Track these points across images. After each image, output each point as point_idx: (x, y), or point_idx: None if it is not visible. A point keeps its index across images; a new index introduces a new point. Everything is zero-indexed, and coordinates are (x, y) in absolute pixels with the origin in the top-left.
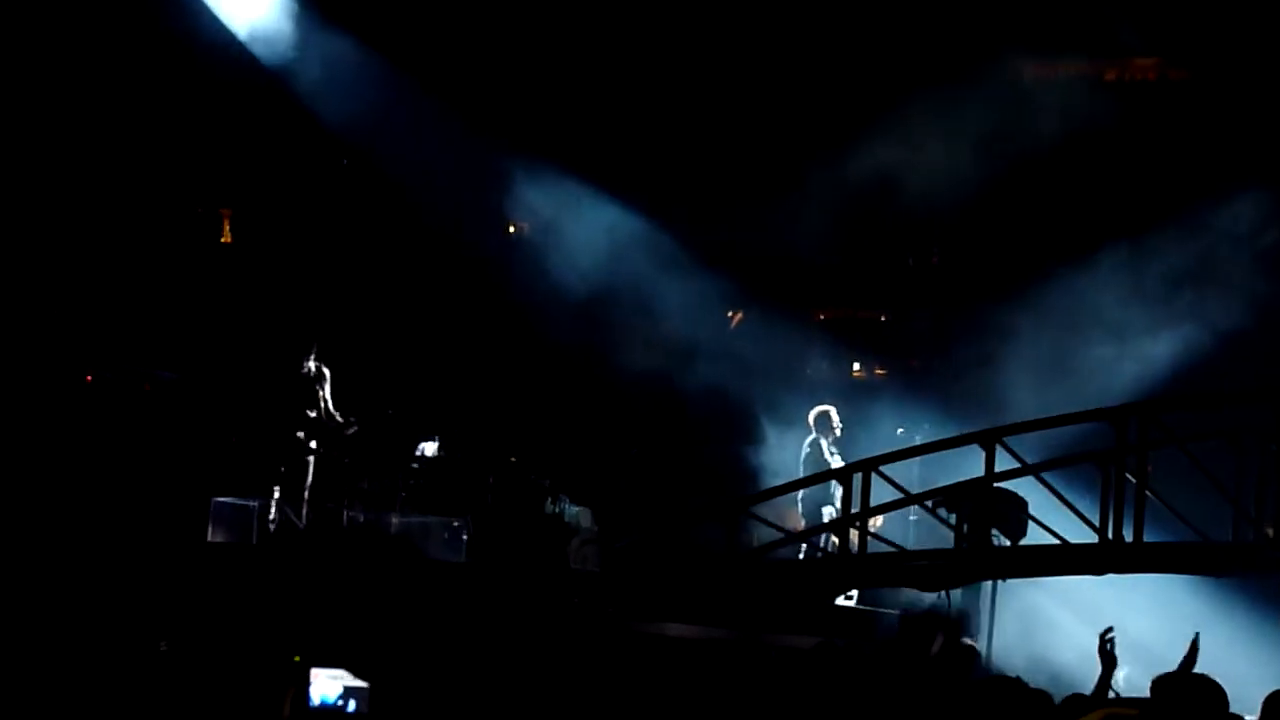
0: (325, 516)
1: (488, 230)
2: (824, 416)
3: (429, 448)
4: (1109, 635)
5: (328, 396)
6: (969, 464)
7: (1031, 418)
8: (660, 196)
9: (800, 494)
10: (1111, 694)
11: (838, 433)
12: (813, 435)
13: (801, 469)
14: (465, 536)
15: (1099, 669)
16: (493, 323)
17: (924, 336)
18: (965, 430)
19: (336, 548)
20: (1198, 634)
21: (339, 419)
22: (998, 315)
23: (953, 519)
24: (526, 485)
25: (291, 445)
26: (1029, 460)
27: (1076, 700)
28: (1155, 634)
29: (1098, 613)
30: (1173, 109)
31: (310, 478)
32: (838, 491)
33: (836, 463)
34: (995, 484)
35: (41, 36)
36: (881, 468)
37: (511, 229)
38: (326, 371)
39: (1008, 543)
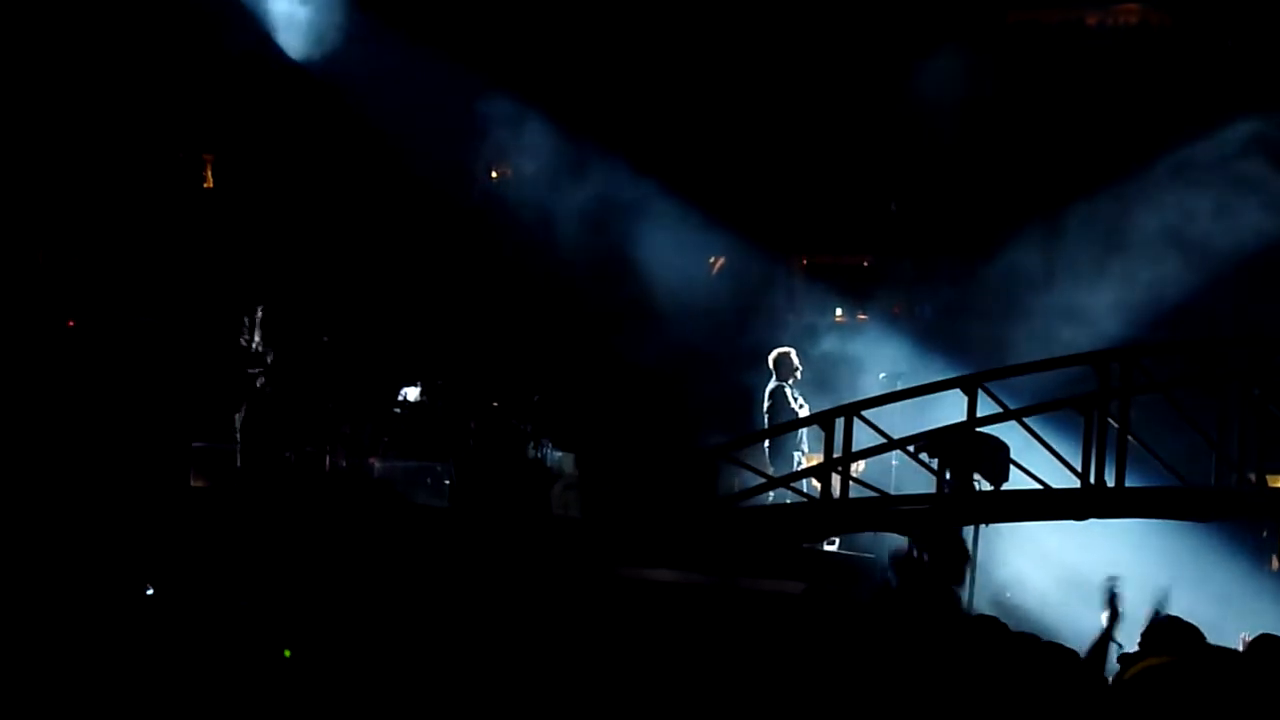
0: (307, 461)
1: (470, 176)
2: (784, 359)
3: (411, 393)
4: (1114, 584)
5: (259, 331)
6: (951, 409)
7: (1014, 363)
8: (643, 141)
9: (766, 442)
10: (1114, 644)
11: (798, 375)
12: (774, 381)
13: (766, 417)
14: (448, 482)
15: (1101, 616)
16: (475, 268)
17: (906, 282)
18: (947, 375)
19: (319, 492)
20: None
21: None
22: (979, 262)
23: (935, 464)
24: (509, 431)
25: (236, 383)
26: (1011, 405)
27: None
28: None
29: (1060, 558)
30: (1154, 53)
31: (243, 413)
32: (805, 435)
33: (802, 409)
34: (977, 429)
35: None
36: (863, 412)
37: (494, 174)
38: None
39: (990, 487)
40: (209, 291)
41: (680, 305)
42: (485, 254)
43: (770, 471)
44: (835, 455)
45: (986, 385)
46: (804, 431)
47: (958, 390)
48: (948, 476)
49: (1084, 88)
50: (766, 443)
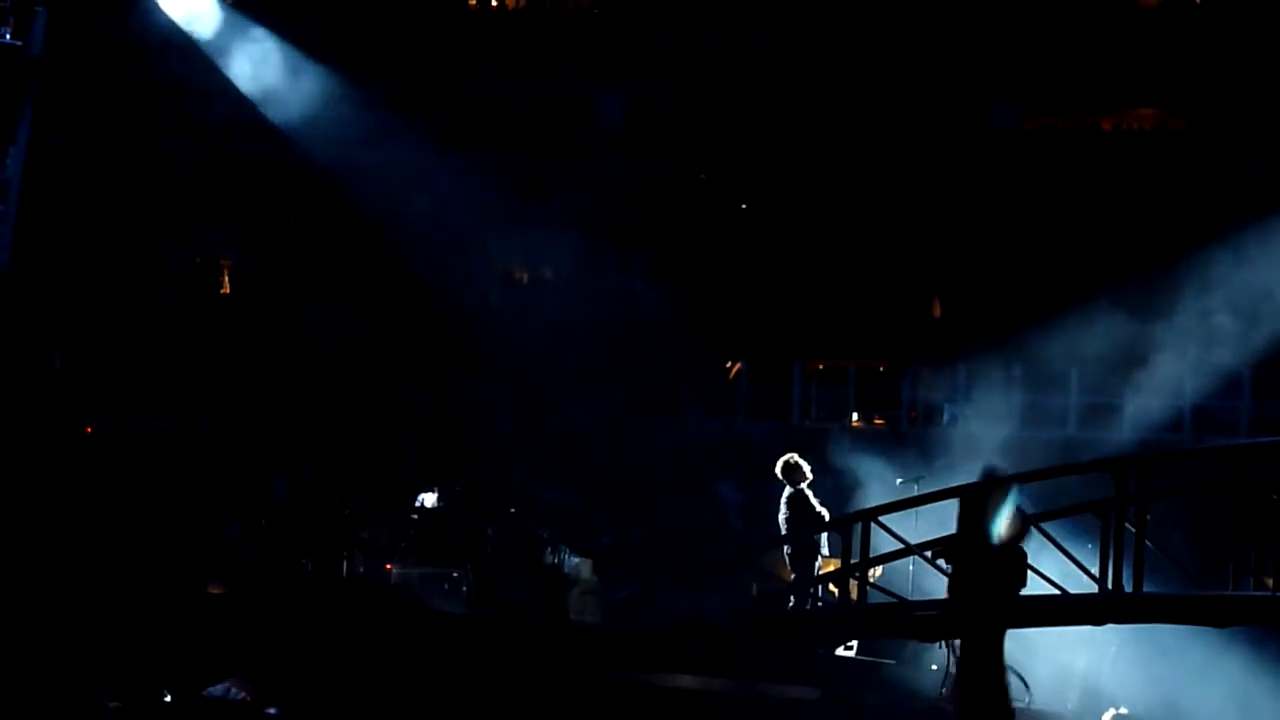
0: (326, 566)
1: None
2: (793, 467)
3: (428, 499)
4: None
5: None
6: None
7: (1030, 468)
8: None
9: (786, 548)
10: None
11: (809, 477)
12: (788, 489)
13: (784, 524)
14: (465, 588)
15: None
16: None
17: (925, 387)
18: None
19: (337, 598)
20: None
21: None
22: (996, 367)
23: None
24: (525, 536)
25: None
26: (1029, 510)
27: None
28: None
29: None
30: (1170, 157)
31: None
32: (825, 539)
33: (822, 510)
34: None
35: None
36: (881, 518)
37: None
38: None
39: None
40: (223, 397)
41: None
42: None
43: (790, 575)
44: (853, 560)
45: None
46: (824, 536)
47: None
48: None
49: (1101, 192)
50: (787, 548)
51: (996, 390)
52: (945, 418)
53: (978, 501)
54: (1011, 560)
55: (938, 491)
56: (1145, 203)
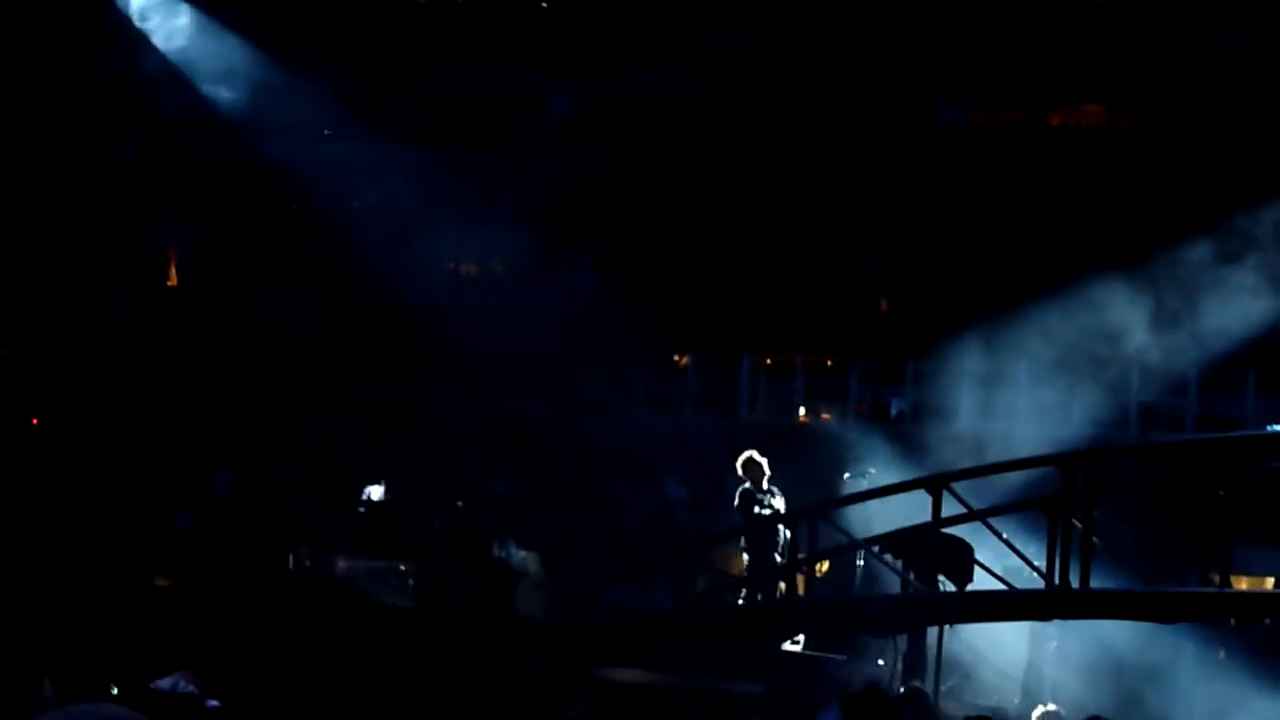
0: (273, 559)
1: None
2: (752, 463)
3: (375, 492)
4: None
5: None
6: (915, 510)
7: (978, 464)
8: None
9: (742, 540)
10: None
11: (767, 473)
12: (746, 484)
13: (739, 516)
14: (412, 582)
15: None
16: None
17: (872, 381)
18: (912, 475)
19: (283, 591)
20: None
21: None
22: (945, 362)
23: (899, 565)
24: (473, 530)
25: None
26: (977, 506)
27: None
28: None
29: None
30: (1118, 154)
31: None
32: (780, 537)
33: (777, 504)
34: (942, 530)
35: None
36: (829, 513)
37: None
38: None
39: (954, 588)
40: (171, 390)
41: (641, 402)
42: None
43: (742, 570)
44: (800, 555)
45: (951, 486)
46: (783, 530)
47: (922, 491)
48: (912, 577)
49: (1049, 188)
50: (742, 541)
51: (944, 386)
52: (892, 413)
53: None
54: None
55: (884, 486)
56: (1093, 199)
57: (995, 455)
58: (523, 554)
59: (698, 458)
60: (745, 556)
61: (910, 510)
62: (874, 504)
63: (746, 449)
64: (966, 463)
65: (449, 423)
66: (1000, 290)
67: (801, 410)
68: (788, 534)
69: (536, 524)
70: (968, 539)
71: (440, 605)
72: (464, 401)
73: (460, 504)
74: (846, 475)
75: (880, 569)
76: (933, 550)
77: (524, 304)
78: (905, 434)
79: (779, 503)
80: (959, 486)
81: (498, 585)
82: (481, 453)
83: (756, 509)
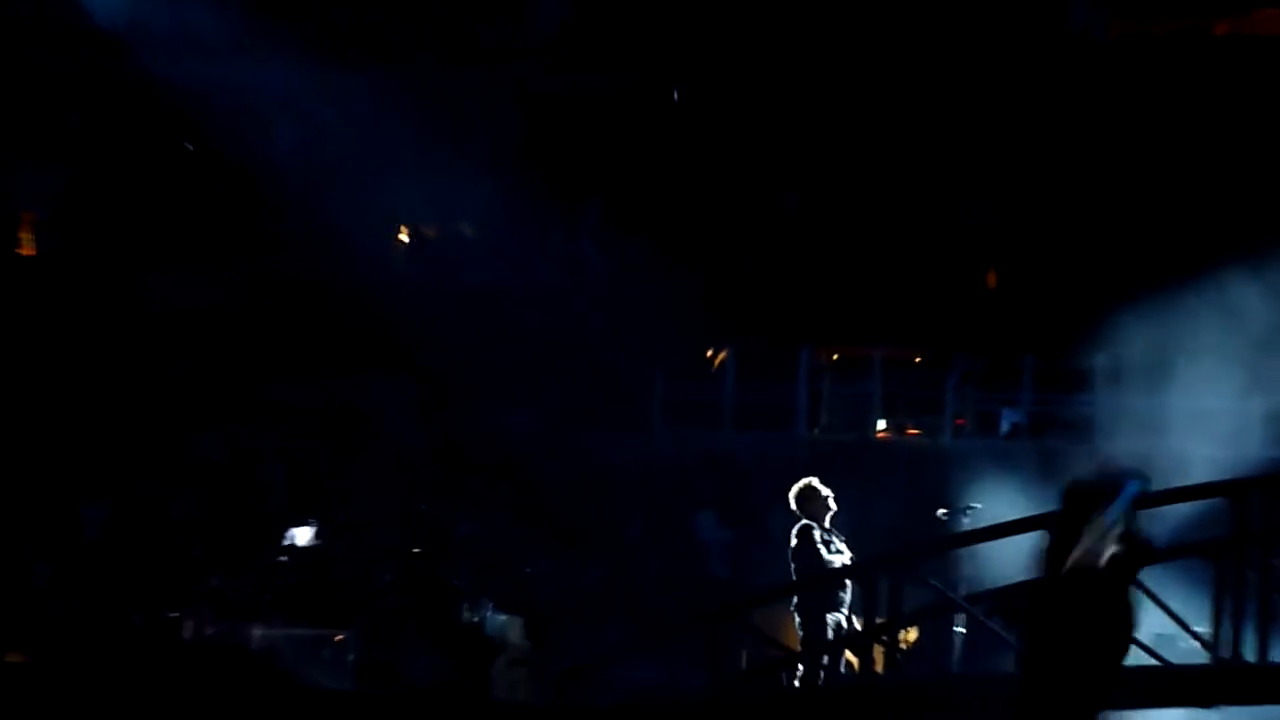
0: (163, 624)
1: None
2: (809, 494)
3: (303, 535)
4: None
5: None
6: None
7: None
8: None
9: (794, 600)
10: None
11: (832, 508)
12: (801, 521)
13: (793, 565)
14: (352, 656)
15: None
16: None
17: (977, 385)
18: (1031, 512)
19: (178, 667)
20: None
21: None
22: (1074, 360)
23: (1013, 632)
24: (435, 587)
25: None
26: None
27: None
28: None
29: None
30: None
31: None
32: (847, 595)
33: (839, 556)
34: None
35: None
36: (917, 562)
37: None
38: None
39: None
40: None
41: (663, 414)
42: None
43: (799, 639)
44: (878, 620)
45: None
46: (847, 590)
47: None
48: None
49: (1216, 116)
50: (794, 600)
51: (1075, 391)
52: (1004, 427)
53: (1073, 523)
54: (1116, 611)
55: (992, 527)
56: (1276, 130)
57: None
58: (502, 618)
59: (740, 487)
60: (799, 620)
61: (1028, 559)
62: (979, 550)
63: (805, 476)
64: None
65: (402, 440)
66: (1154, 259)
67: (880, 424)
68: (852, 591)
69: (521, 578)
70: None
71: (390, 688)
72: (422, 411)
73: (417, 551)
74: (941, 512)
75: (988, 637)
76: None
77: (503, 278)
78: (1022, 455)
79: (843, 549)
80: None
81: (467, 661)
82: (446, 480)
83: (819, 555)
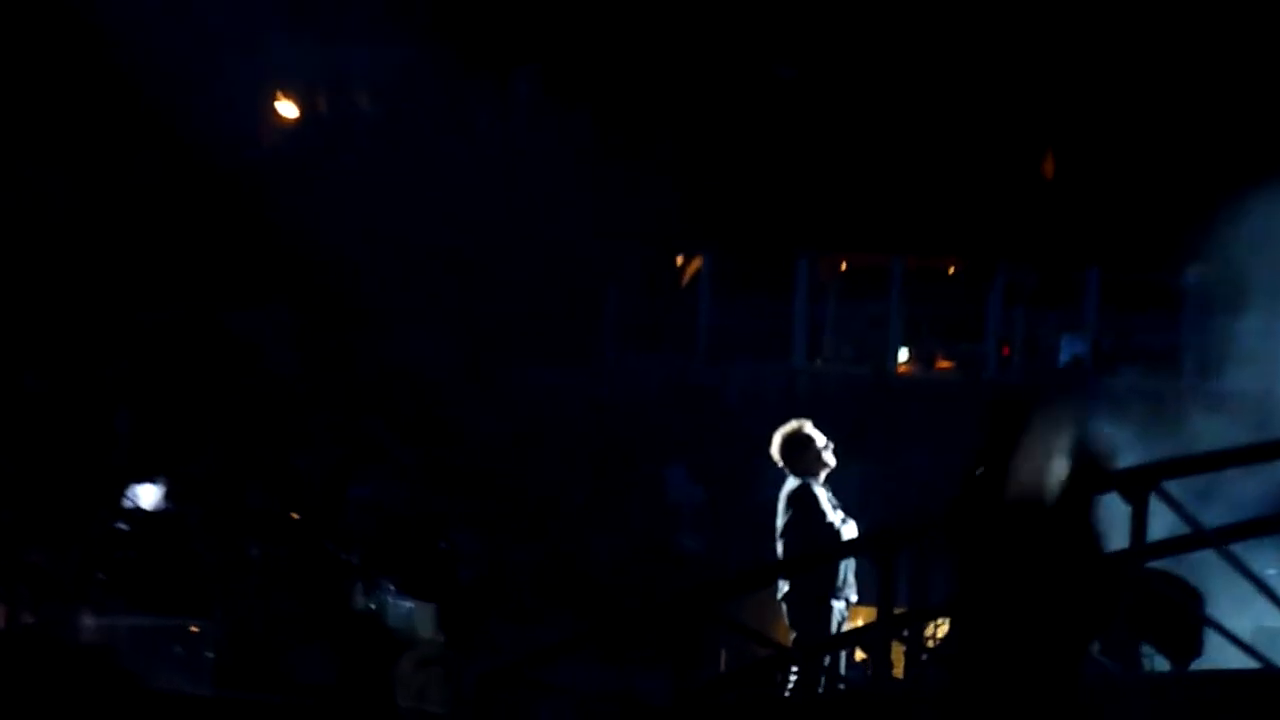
0: None
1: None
2: (797, 442)
3: (147, 496)
4: None
5: None
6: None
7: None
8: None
9: (783, 586)
10: None
11: (829, 463)
12: (791, 480)
13: (781, 541)
14: (212, 652)
15: None
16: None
17: (1026, 304)
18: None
19: None
20: None
21: None
22: (1158, 271)
23: None
24: (320, 564)
25: None
26: (1207, 522)
27: None
28: None
29: None
30: None
31: None
32: (851, 575)
33: (845, 526)
34: (1147, 564)
35: None
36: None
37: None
38: None
39: (1170, 667)
40: None
41: (619, 339)
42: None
43: (790, 635)
44: (897, 610)
45: (1166, 488)
46: (849, 568)
47: (1114, 495)
48: (1096, 649)
49: None
50: (783, 586)
51: (1159, 313)
52: (1063, 358)
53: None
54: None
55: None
56: None
57: (1252, 434)
58: (408, 605)
59: (719, 435)
60: (790, 610)
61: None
62: None
63: (797, 418)
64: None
65: (277, 371)
66: (1268, 138)
67: (901, 354)
68: (848, 573)
69: (434, 553)
70: (1193, 582)
71: (261, 694)
72: (307, 339)
73: (296, 517)
74: (980, 470)
75: None
76: (1136, 599)
77: (412, 165)
78: (1086, 394)
79: (846, 525)
80: (1178, 490)
81: (362, 660)
82: (337, 428)
83: (823, 524)
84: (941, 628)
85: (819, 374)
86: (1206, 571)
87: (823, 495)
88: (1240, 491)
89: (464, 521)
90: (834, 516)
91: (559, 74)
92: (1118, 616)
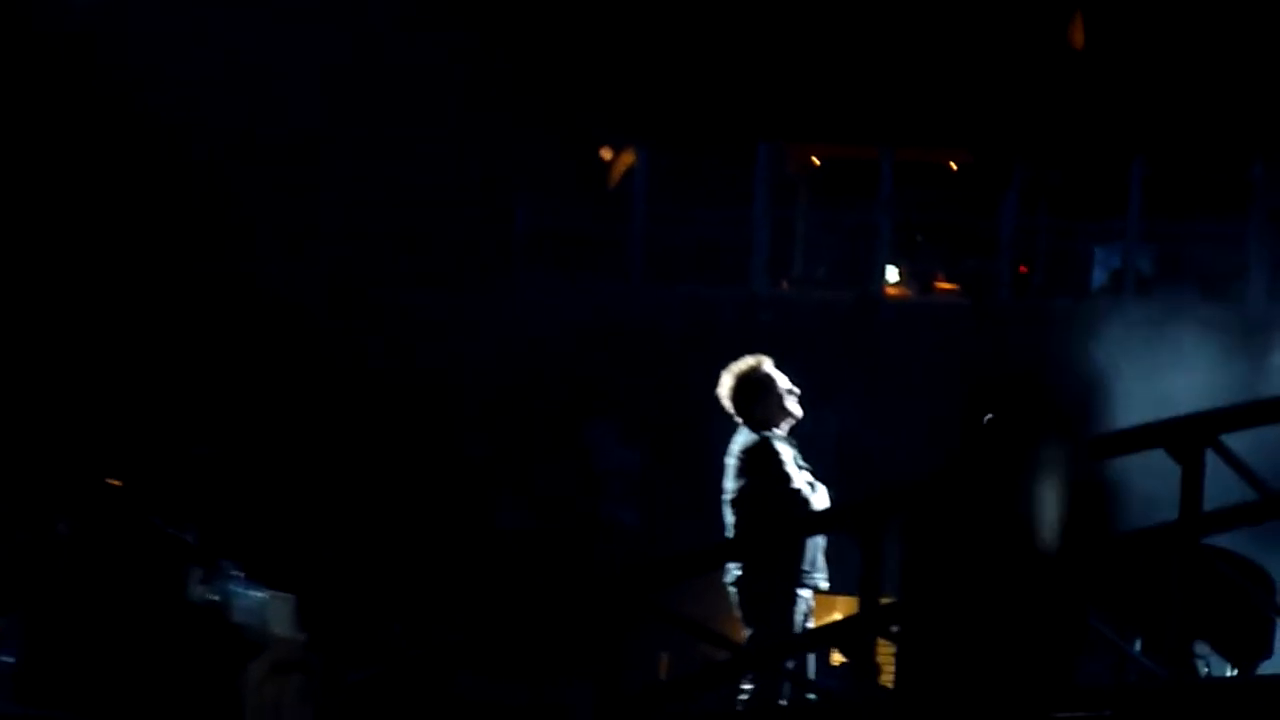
0: None
1: None
2: (755, 385)
3: None
4: None
5: None
6: (1153, 486)
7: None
8: None
9: (733, 570)
10: None
11: (794, 412)
12: (745, 435)
13: (733, 509)
14: (11, 655)
15: None
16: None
17: (1047, 210)
18: (1133, 418)
19: None
20: None
21: None
22: (1207, 168)
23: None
24: (147, 543)
25: None
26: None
27: None
28: None
29: None
30: None
31: None
32: (820, 555)
33: (815, 493)
34: (1203, 539)
35: None
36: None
37: None
38: None
39: (1235, 672)
40: None
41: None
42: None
43: (744, 631)
44: (884, 600)
45: (1225, 443)
46: (819, 549)
47: (1161, 453)
48: (1138, 646)
49: None
50: (734, 570)
51: (1211, 218)
52: (1097, 277)
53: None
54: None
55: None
56: None
57: None
58: (260, 596)
59: (657, 379)
60: (741, 599)
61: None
62: None
63: (758, 354)
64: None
65: (96, 299)
66: None
67: (890, 273)
68: (820, 549)
69: (292, 529)
70: (1261, 563)
71: (72, 709)
72: (116, 249)
73: (115, 483)
74: (990, 417)
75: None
76: (1189, 584)
77: (257, 48)
78: (1127, 322)
79: (814, 481)
80: (1242, 447)
81: (202, 664)
82: (169, 368)
83: (786, 489)
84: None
85: (785, 300)
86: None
87: (786, 453)
88: None
89: (331, 489)
90: (800, 480)
91: None
92: (1167, 607)
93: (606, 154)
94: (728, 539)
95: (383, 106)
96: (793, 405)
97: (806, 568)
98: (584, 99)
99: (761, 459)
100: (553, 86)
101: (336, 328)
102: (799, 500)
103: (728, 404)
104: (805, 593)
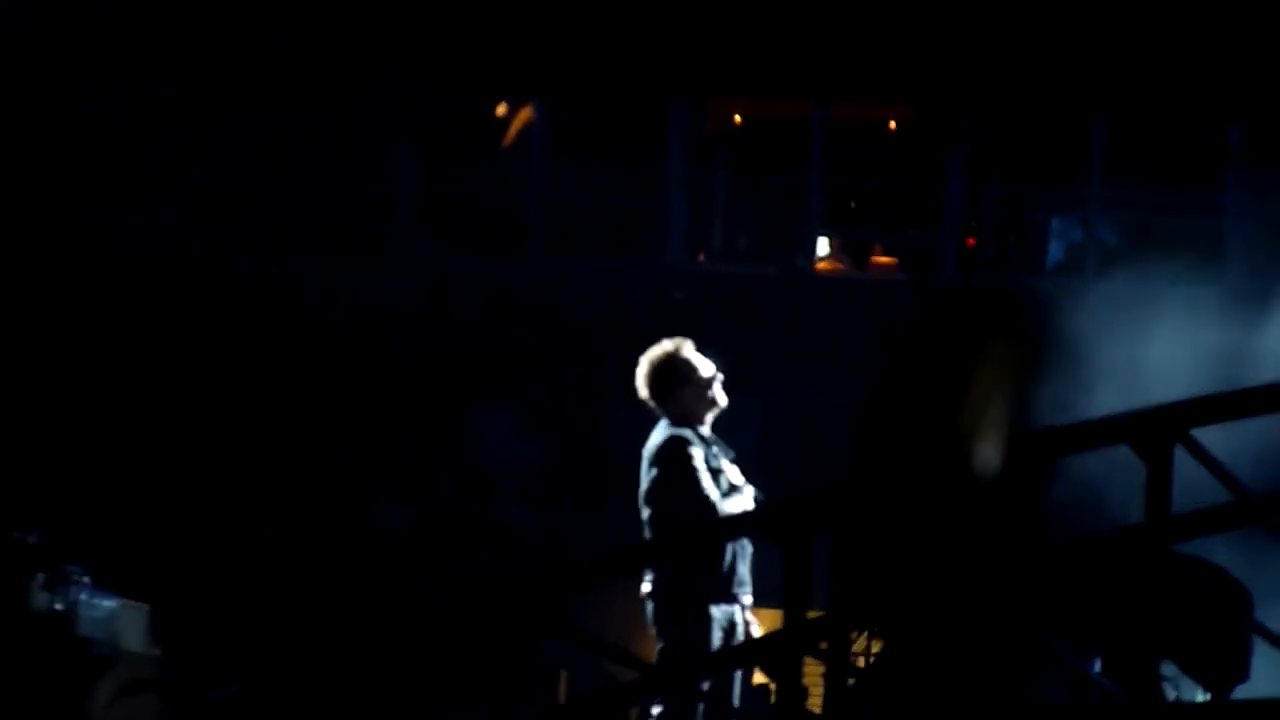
0: None
1: None
2: (674, 372)
3: None
4: None
5: None
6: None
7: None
8: None
9: (648, 580)
10: None
11: (719, 401)
12: (663, 428)
13: (648, 511)
14: None
15: None
16: None
17: (1002, 169)
18: (1097, 411)
19: None
20: None
21: None
22: (1200, 126)
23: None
24: None
25: None
26: (1259, 489)
27: None
28: None
29: None
30: None
31: None
32: (745, 563)
33: (739, 494)
34: (1171, 546)
35: None
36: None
37: None
38: None
39: (1205, 695)
40: None
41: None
42: None
43: (657, 645)
44: (814, 614)
45: (1195, 438)
46: (741, 556)
47: (1125, 448)
48: (1096, 666)
49: None
50: (647, 580)
51: (1183, 185)
52: (1053, 253)
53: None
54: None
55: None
56: None
57: None
58: (110, 605)
59: (558, 363)
60: (656, 614)
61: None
62: None
63: (669, 335)
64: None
65: None
66: None
67: (822, 245)
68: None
69: (149, 532)
70: (1236, 574)
71: None
72: None
73: None
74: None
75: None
76: (1154, 597)
77: None
78: (1086, 304)
79: (740, 482)
80: (1215, 443)
81: (46, 682)
82: (7, 350)
83: (699, 494)
84: (876, 639)
85: (704, 275)
86: (1256, 559)
87: (699, 453)
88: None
89: (188, 487)
90: (710, 484)
91: None
92: (1130, 622)
93: (501, 109)
94: (640, 544)
95: (256, 57)
96: (718, 393)
97: (727, 576)
98: (474, 45)
99: (677, 454)
100: (440, 30)
101: (197, 301)
102: (707, 506)
103: (644, 393)
104: (729, 607)
